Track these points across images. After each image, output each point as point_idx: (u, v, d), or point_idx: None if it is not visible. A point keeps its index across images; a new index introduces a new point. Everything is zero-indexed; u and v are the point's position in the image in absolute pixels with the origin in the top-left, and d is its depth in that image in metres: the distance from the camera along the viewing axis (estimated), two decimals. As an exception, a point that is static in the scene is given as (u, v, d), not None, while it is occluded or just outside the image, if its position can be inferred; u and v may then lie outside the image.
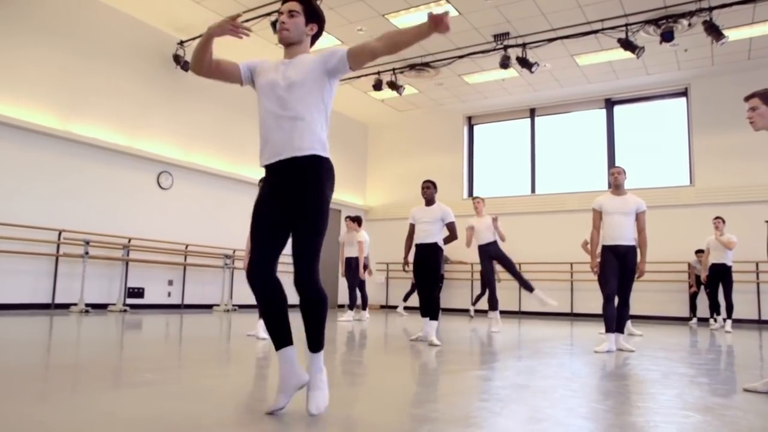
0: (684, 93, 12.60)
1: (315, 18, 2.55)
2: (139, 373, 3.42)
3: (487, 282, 7.94)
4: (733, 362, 5.12)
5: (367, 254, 9.85)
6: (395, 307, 14.26)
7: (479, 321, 10.70)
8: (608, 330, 5.55)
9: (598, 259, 5.70)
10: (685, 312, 11.47)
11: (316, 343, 2.44)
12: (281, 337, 2.46)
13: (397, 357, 4.79)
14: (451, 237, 6.27)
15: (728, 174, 11.54)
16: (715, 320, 9.80)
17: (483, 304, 10.97)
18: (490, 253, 7.87)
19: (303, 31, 2.52)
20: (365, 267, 9.69)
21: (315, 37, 2.61)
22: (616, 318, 5.67)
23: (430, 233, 6.06)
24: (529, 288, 7.70)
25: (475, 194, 8.45)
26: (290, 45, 2.53)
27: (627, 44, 9.61)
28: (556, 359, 4.82)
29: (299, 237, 2.36)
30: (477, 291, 13.58)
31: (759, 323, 10.88)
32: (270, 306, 2.46)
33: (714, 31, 8.98)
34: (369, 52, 2.38)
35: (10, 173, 8.51)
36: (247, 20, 9.80)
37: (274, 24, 9.37)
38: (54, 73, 9.16)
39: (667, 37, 9.40)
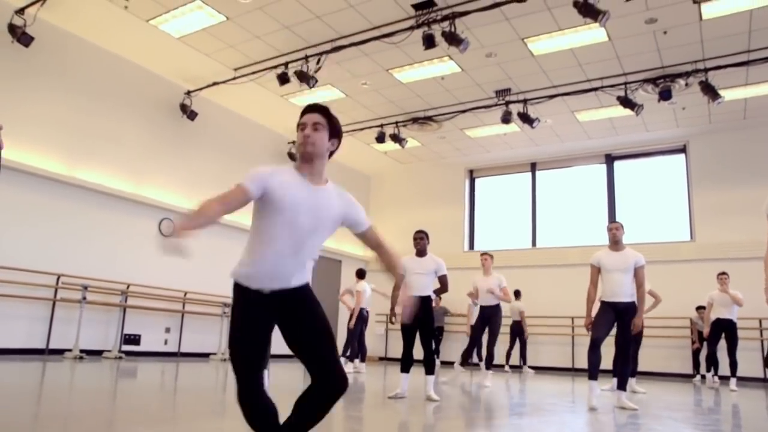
0: (683, 149, 12.76)
1: (337, 134, 2.42)
2: (131, 426, 3.35)
3: (471, 339, 7.84)
4: (739, 423, 5.00)
5: (363, 306, 9.74)
6: (395, 359, 14.03)
7: (499, 376, 10.49)
8: (590, 377, 5.45)
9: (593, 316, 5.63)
10: (688, 368, 11.26)
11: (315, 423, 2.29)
12: None
13: (395, 413, 4.69)
14: (442, 289, 6.14)
15: (728, 230, 11.55)
16: (703, 377, 9.58)
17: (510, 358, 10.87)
18: (485, 314, 7.74)
19: (326, 146, 2.37)
20: (359, 317, 9.60)
21: (332, 152, 2.48)
22: (618, 375, 5.59)
23: (425, 285, 5.92)
24: (488, 365, 7.81)
25: (481, 248, 8.30)
26: (313, 160, 2.36)
27: (626, 102, 9.80)
28: (557, 416, 4.72)
29: (328, 339, 2.33)
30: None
31: (764, 381, 10.67)
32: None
33: (710, 91, 9.18)
34: (383, 260, 2.53)
35: (14, 217, 8.54)
36: (253, 72, 10.06)
37: (279, 77, 9.56)
38: (63, 119, 9.31)
39: (665, 95, 9.60)
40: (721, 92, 9.31)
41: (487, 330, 7.83)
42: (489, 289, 7.69)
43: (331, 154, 2.45)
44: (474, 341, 7.84)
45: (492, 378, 7.95)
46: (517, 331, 11.99)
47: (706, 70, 9.15)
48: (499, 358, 11.86)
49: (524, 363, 11.98)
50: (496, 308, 7.70)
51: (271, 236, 2.26)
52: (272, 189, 2.25)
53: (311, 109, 2.39)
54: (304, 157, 2.34)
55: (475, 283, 7.91)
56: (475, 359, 11.67)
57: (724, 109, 10.75)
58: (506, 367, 12.01)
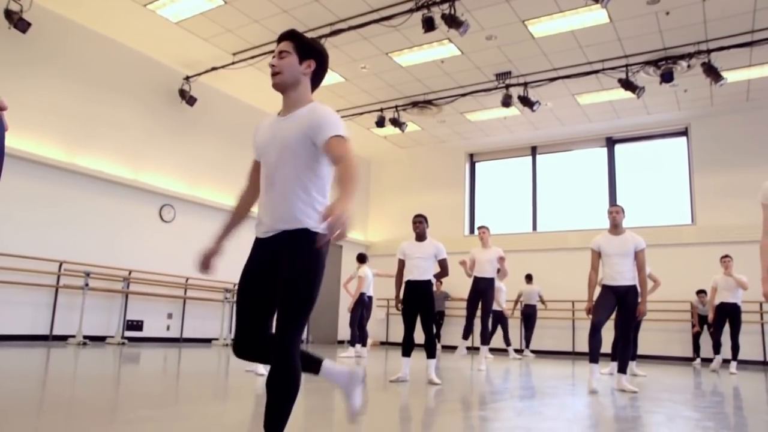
0: (684, 132, 12.70)
1: (310, 54, 2.22)
2: (134, 409, 3.37)
3: (467, 315, 7.80)
4: (740, 405, 5.03)
5: (365, 291, 9.77)
6: (396, 344, 14.10)
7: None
8: (591, 360, 5.48)
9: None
10: (687, 352, 11.32)
11: (276, 426, 2.05)
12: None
13: (397, 396, 4.72)
14: (443, 273, 6.13)
15: (730, 213, 11.54)
16: (708, 360, 9.62)
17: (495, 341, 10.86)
18: (479, 287, 7.68)
19: (298, 71, 2.19)
20: (359, 302, 9.66)
21: (316, 76, 2.27)
22: (618, 358, 5.62)
23: (425, 270, 5.93)
24: (484, 341, 7.78)
25: (480, 224, 8.27)
26: (286, 91, 2.22)
27: (627, 84, 9.74)
28: (557, 399, 4.75)
29: (286, 307, 2.08)
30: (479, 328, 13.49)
31: (764, 365, 10.72)
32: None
33: (713, 73, 9.11)
34: (336, 168, 2.02)
35: (14, 204, 8.53)
36: (252, 57, 9.99)
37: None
38: (61, 105, 9.27)
39: (667, 78, 9.53)
40: (724, 74, 9.24)
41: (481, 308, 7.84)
42: (499, 257, 7.64)
43: (316, 79, 2.27)
44: (470, 316, 7.80)
45: (487, 361, 7.98)
46: (530, 314, 11.99)
47: (709, 52, 9.07)
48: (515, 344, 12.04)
49: (527, 346, 12.03)
50: (491, 282, 7.70)
51: (260, 181, 2.28)
52: (254, 139, 2.36)
53: (279, 38, 2.26)
54: (276, 89, 2.24)
55: (473, 255, 7.83)
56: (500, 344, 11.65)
57: (727, 90, 10.69)
58: (525, 352, 12.00)
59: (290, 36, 2.24)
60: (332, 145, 2.04)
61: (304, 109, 2.19)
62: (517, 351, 12.05)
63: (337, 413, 3.83)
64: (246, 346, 2.17)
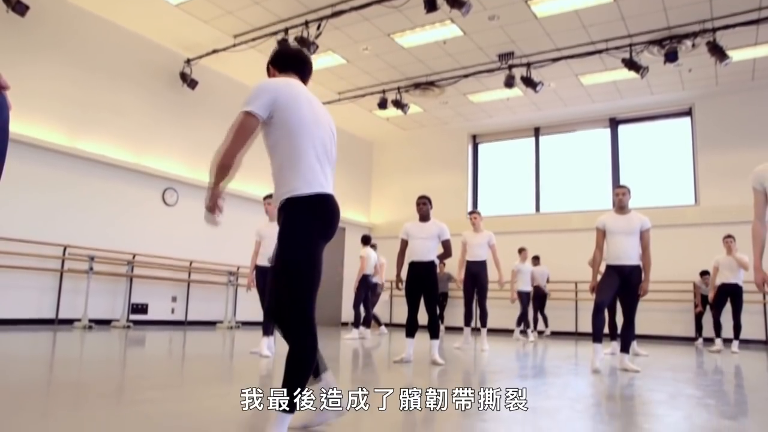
0: (688, 112, 12.61)
1: (270, 65, 2.64)
2: (141, 391, 3.41)
3: (465, 301, 7.86)
4: (741, 384, 5.07)
5: (370, 272, 9.79)
6: (400, 325, 14.17)
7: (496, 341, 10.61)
8: (595, 340, 5.50)
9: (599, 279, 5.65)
10: (690, 332, 11.36)
11: (283, 392, 2.14)
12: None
13: (399, 376, 4.76)
14: (446, 254, 6.16)
15: (733, 193, 11.48)
16: (708, 341, 9.66)
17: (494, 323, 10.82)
18: (473, 271, 7.78)
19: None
20: (363, 284, 9.67)
21: (281, 66, 2.60)
22: (621, 338, 5.65)
23: (428, 250, 5.96)
24: (483, 323, 7.95)
25: (474, 209, 8.36)
26: None
27: (631, 64, 9.65)
28: (560, 379, 4.78)
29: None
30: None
31: (765, 344, 10.76)
32: None
33: (718, 52, 9.02)
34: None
35: (18, 189, 8.55)
36: (253, 39, 9.92)
37: (279, 43, 9.44)
38: (63, 90, 9.24)
39: (671, 57, 9.44)
40: (729, 53, 9.13)
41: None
42: (479, 243, 7.77)
43: (284, 67, 2.58)
44: (468, 301, 7.87)
45: (489, 342, 8.05)
46: (542, 295, 11.98)
47: (714, 30, 8.97)
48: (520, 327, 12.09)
49: (535, 327, 12.00)
50: (483, 264, 7.81)
51: None
52: None
53: None
54: None
55: (465, 239, 7.99)
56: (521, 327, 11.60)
57: (732, 70, 10.58)
58: (541, 332, 11.95)
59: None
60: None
61: None
62: (524, 333, 12.06)
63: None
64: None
